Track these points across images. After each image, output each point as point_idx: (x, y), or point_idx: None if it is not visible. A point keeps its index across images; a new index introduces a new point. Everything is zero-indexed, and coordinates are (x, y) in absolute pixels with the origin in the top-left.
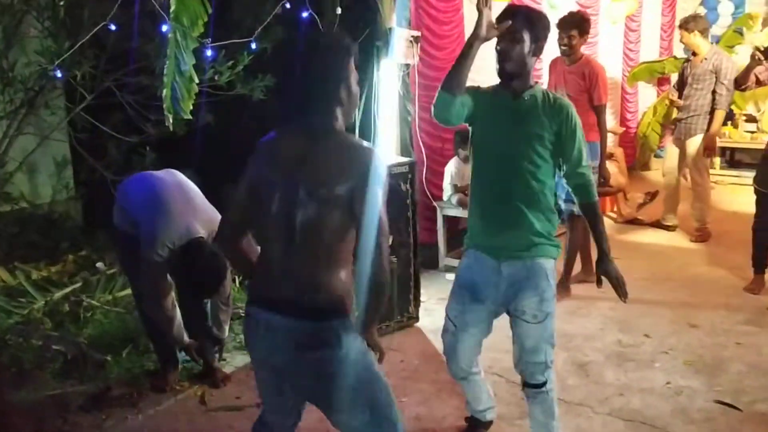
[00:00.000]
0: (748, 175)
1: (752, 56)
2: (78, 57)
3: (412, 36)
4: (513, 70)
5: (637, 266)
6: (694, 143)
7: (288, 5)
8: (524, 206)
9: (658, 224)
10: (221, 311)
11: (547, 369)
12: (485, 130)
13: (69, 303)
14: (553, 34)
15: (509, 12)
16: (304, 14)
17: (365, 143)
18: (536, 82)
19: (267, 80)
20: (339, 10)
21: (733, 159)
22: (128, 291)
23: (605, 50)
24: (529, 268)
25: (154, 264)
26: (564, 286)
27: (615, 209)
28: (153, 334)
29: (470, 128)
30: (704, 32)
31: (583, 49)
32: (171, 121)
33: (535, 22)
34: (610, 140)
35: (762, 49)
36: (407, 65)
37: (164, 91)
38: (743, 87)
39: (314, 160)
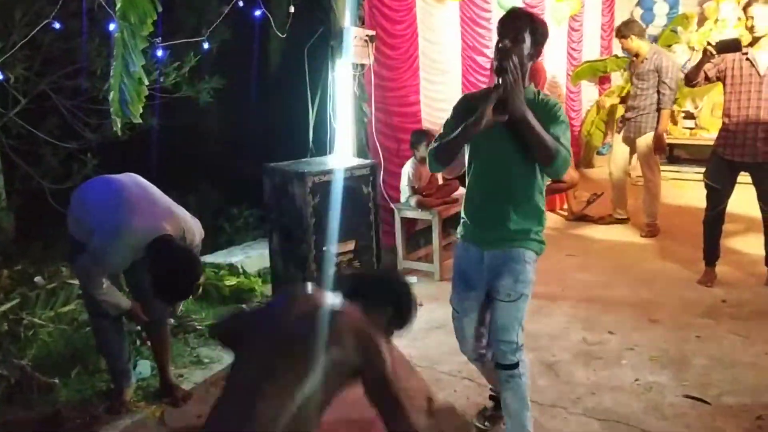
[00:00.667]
0: (688, 171)
1: (704, 51)
2: (10, 58)
3: (367, 35)
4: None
5: (593, 263)
6: (644, 141)
7: (240, 3)
8: (511, 205)
9: (608, 219)
10: None
11: (518, 350)
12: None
13: (7, 322)
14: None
15: (514, 13)
16: (257, 12)
17: None
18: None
19: (214, 82)
20: (292, 9)
21: (673, 155)
22: (72, 306)
23: (550, 50)
24: (507, 254)
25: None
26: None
27: (565, 206)
28: (105, 350)
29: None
30: (640, 34)
31: None
32: (119, 125)
33: (538, 26)
34: None
35: (713, 44)
36: (362, 65)
37: (111, 94)
38: (694, 83)
39: None
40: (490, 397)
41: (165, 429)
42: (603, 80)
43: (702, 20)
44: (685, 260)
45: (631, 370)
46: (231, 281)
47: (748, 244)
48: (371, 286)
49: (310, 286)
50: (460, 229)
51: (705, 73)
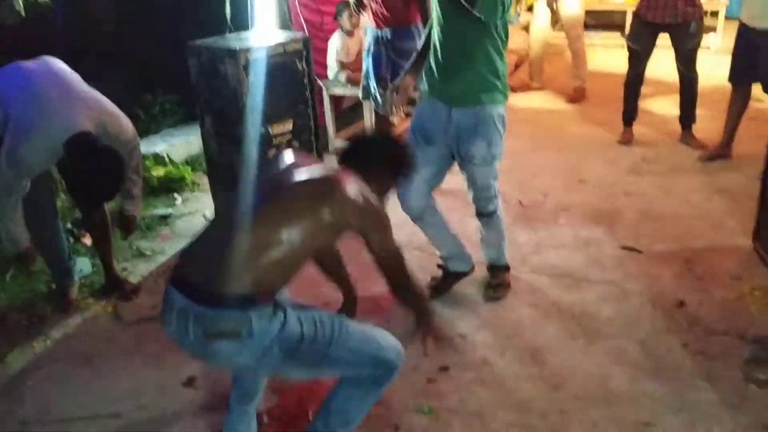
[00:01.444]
0: (596, 37)
1: None
2: None
3: None
4: None
5: (520, 130)
6: (568, 4)
7: None
8: (471, 55)
9: (526, 88)
10: (132, 182)
11: (495, 198)
12: None
13: None
14: None
15: None
16: None
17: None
18: None
19: None
20: None
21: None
22: None
23: None
24: (477, 115)
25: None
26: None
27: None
28: (43, 249)
29: None
30: None
31: None
32: (21, 4)
33: None
34: None
35: None
36: None
37: None
38: None
39: None
40: (438, 266)
41: (120, 323)
42: None
43: None
44: (604, 123)
45: (568, 228)
46: (158, 171)
47: (662, 106)
48: (369, 150)
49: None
50: (424, 86)
51: None
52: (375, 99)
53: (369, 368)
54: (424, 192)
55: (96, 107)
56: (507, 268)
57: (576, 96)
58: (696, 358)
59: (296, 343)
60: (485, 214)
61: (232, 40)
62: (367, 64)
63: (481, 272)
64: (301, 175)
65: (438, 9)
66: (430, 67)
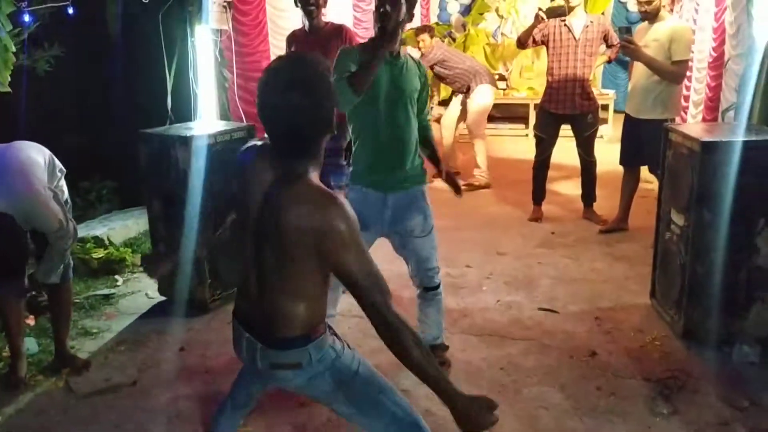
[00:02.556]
0: (502, 128)
1: (536, 17)
2: None
3: (225, 1)
4: (393, 30)
5: (442, 210)
6: (478, 100)
7: None
8: (405, 149)
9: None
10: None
11: (438, 272)
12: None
13: None
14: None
15: None
16: None
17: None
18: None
19: (53, 50)
20: None
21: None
22: None
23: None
24: (410, 195)
25: None
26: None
27: None
28: (8, 329)
29: None
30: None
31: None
32: None
33: None
34: None
35: (544, 10)
36: (221, 31)
37: None
38: (525, 45)
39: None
40: None
41: (73, 396)
42: None
43: None
44: (516, 203)
45: (491, 294)
46: (99, 253)
47: (566, 187)
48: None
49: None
50: (353, 176)
51: (533, 37)
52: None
53: (403, 427)
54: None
55: (23, 199)
56: (446, 348)
57: (479, 185)
58: (609, 399)
59: (349, 377)
60: (432, 288)
61: (181, 129)
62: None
63: None
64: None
65: (382, 107)
66: (361, 161)
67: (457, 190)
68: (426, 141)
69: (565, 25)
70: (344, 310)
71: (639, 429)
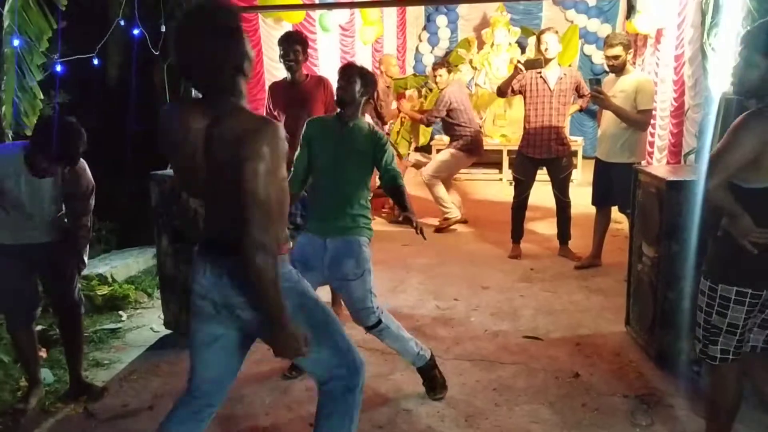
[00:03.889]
0: (477, 173)
1: (515, 68)
2: None
3: None
4: (346, 102)
5: (427, 250)
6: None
7: (122, 23)
8: (347, 202)
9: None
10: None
11: (374, 312)
12: (319, 149)
13: None
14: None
15: (347, 65)
16: (135, 31)
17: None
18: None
19: (61, 98)
20: (163, 28)
21: None
22: None
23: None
24: (346, 242)
25: None
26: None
27: (386, 209)
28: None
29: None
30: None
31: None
32: (11, 137)
33: (366, 74)
34: None
35: (521, 62)
36: None
37: (3, 108)
38: (504, 94)
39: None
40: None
41: (94, 420)
42: (400, 96)
43: (481, 44)
44: (495, 241)
45: (479, 324)
46: (103, 290)
47: (542, 227)
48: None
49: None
50: (307, 223)
51: (512, 87)
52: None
53: (343, 358)
54: None
55: None
56: (431, 365)
57: (455, 220)
58: (593, 414)
59: (311, 302)
60: (370, 327)
61: None
62: None
63: None
64: None
65: (329, 162)
66: (311, 209)
67: (419, 231)
68: (392, 187)
69: (541, 77)
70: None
71: None
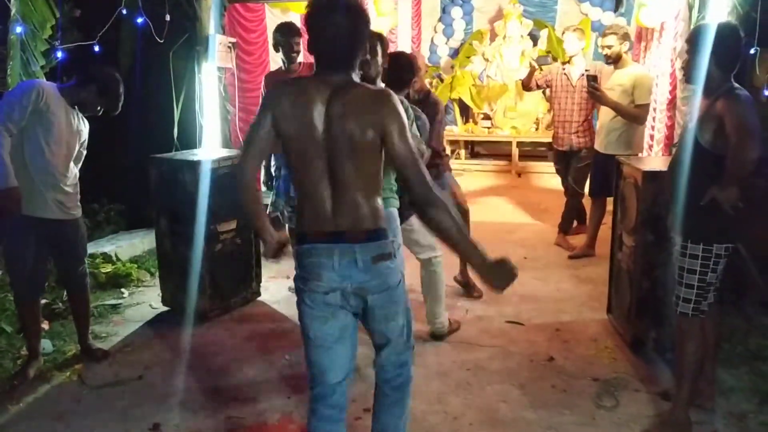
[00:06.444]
0: (487, 164)
1: (531, 64)
2: None
3: (230, 42)
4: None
5: None
6: None
7: (124, 11)
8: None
9: None
10: None
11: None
12: None
13: None
14: None
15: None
16: (139, 20)
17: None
18: None
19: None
20: (168, 17)
21: (474, 151)
22: None
23: None
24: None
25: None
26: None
27: None
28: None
29: None
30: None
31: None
32: None
33: (384, 41)
34: None
35: (536, 58)
36: (225, 69)
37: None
38: (528, 88)
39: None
40: None
41: (85, 387)
42: None
43: (493, 36)
44: (490, 231)
45: (463, 307)
46: (107, 268)
47: (544, 219)
48: None
49: None
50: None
51: (536, 81)
52: (282, 214)
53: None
54: None
55: None
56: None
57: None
58: (561, 395)
59: (402, 276)
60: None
61: (188, 155)
62: (278, 184)
63: None
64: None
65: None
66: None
67: None
68: None
69: (565, 72)
70: None
71: (584, 419)
